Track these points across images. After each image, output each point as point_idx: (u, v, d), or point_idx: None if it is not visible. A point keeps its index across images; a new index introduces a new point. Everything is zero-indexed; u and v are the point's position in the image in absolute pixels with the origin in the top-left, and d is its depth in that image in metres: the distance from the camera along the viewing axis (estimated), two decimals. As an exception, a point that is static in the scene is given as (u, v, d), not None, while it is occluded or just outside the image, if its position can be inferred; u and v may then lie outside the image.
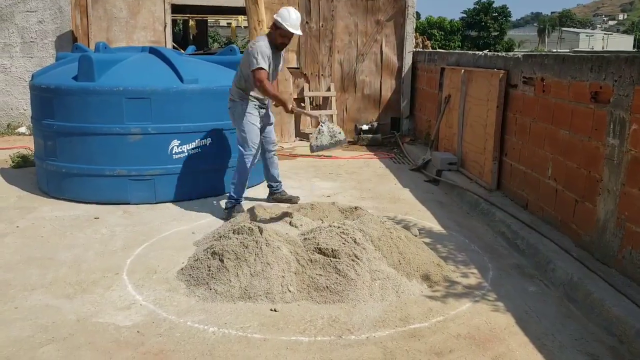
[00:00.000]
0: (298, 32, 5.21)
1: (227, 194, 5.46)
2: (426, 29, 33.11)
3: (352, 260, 3.77)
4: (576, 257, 4.17)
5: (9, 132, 9.63)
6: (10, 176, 6.75)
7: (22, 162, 7.20)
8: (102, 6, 9.55)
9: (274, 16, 5.24)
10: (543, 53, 6.03)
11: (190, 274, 3.91)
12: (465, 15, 45.78)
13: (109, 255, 4.38)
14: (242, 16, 13.24)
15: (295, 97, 9.85)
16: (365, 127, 9.83)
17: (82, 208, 5.55)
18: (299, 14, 5.26)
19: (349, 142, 9.80)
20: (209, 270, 3.82)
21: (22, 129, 9.67)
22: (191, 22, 13.48)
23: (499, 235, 5.02)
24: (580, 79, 4.47)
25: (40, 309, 3.50)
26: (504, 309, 3.61)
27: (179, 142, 5.75)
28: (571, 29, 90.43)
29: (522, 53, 6.02)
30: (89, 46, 8.87)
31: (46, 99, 5.84)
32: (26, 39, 9.71)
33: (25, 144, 8.17)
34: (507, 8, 44.02)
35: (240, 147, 5.28)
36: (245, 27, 13.63)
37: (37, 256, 4.34)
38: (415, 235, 4.72)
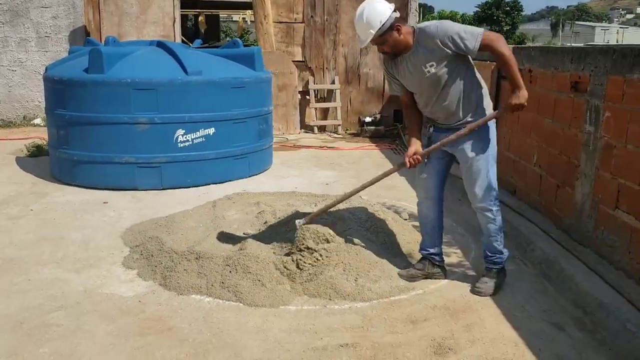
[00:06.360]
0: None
1: (492, 255, 3.79)
2: (437, 23, 33.16)
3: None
4: (555, 239, 4.40)
5: (24, 124, 10.00)
6: (25, 164, 7.10)
7: (37, 152, 7.55)
8: (113, 2, 9.89)
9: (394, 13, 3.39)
10: (532, 46, 6.22)
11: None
12: (478, 9, 45.58)
13: (116, 235, 4.68)
14: (251, 11, 13.48)
15: (301, 89, 10.11)
16: (368, 119, 10.09)
17: (92, 193, 5.86)
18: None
19: (352, 134, 10.09)
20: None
21: (37, 121, 10.04)
22: (200, 18, 13.77)
23: (487, 220, 5.24)
24: (562, 70, 4.69)
25: (51, 281, 3.82)
26: (481, 284, 3.85)
27: (184, 131, 6.05)
28: (587, 23, 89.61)
29: (512, 47, 6.21)
30: (100, 41, 9.20)
31: (59, 90, 6.16)
32: (41, 33, 10.06)
33: (40, 135, 8.52)
34: (519, 2, 43.79)
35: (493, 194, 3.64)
36: (253, 21, 13.84)
37: (49, 236, 4.66)
38: (405, 219, 4.97)
